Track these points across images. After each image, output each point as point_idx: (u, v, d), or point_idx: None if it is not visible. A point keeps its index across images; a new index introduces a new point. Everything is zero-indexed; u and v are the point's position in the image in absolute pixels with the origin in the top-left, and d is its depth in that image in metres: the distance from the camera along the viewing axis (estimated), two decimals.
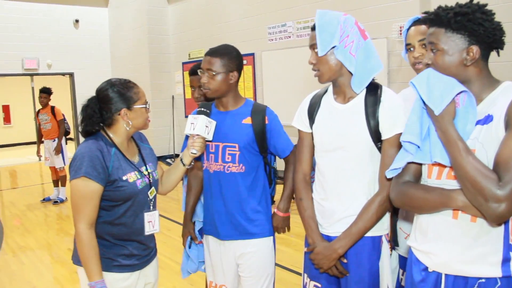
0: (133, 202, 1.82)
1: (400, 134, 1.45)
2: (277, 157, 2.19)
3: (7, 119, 14.71)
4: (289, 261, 3.91)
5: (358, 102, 1.69)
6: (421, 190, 1.36)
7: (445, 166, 1.34)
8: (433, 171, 1.38)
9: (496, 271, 1.28)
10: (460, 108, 1.30)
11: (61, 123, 6.43)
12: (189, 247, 2.31)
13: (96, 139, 1.79)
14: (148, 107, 1.87)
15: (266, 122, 2.04)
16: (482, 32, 1.27)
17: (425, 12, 1.45)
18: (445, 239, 1.35)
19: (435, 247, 1.37)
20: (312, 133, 1.80)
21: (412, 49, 1.83)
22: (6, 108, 14.63)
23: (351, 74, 1.67)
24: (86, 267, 1.71)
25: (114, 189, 1.76)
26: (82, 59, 10.33)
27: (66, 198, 6.55)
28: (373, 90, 1.69)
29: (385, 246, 1.73)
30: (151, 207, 1.92)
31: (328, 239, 1.75)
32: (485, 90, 1.33)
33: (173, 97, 9.73)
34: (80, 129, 1.85)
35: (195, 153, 1.95)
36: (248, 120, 2.04)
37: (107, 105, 1.79)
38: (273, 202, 2.21)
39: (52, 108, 6.45)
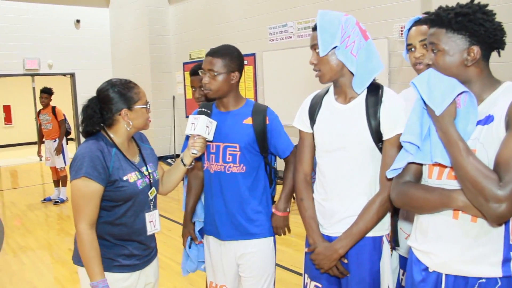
0: (134, 202, 1.82)
1: (401, 134, 1.45)
2: (277, 157, 2.19)
3: (8, 119, 14.73)
4: (289, 261, 3.91)
5: (359, 102, 1.69)
6: (422, 190, 1.36)
7: (445, 166, 1.34)
8: (433, 171, 1.38)
9: (496, 271, 1.28)
10: (461, 108, 1.30)
11: (62, 123, 6.43)
12: (189, 247, 2.31)
13: (97, 140, 1.79)
14: (148, 107, 1.87)
15: (267, 122, 2.04)
16: (483, 32, 1.27)
17: (426, 13, 1.45)
18: (445, 239, 1.35)
19: (436, 247, 1.37)
20: (313, 133, 1.80)
21: (413, 49, 1.83)
22: (7, 108, 14.65)
23: (352, 74, 1.67)
24: (88, 267, 1.71)
25: (115, 189, 1.76)
26: (83, 60, 10.34)
27: (67, 198, 6.55)
28: (374, 90, 1.69)
29: (386, 247, 1.73)
30: (152, 207, 1.92)
31: (329, 239, 1.75)
32: (486, 90, 1.33)
33: (174, 97, 9.74)
34: (80, 129, 1.85)
35: (196, 153, 1.95)
36: (249, 121, 2.04)
37: (107, 105, 1.79)
38: (273, 202, 2.21)
39: (53, 108, 6.45)
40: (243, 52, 2.13)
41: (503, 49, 1.34)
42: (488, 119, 1.28)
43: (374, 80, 1.70)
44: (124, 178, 1.78)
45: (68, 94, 10.60)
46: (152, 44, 9.49)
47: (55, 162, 6.44)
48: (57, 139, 6.44)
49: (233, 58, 2.01)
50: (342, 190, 1.72)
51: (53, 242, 4.93)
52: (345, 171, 1.70)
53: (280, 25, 7.06)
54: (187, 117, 9.16)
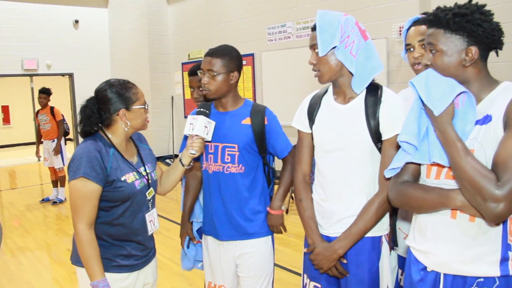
0: (132, 203, 1.82)
1: None
2: (275, 157, 2.19)
3: (6, 120, 14.70)
4: (288, 261, 3.91)
5: (358, 102, 1.69)
6: (420, 190, 1.37)
7: (443, 166, 1.34)
8: (431, 171, 1.38)
9: (494, 271, 1.28)
10: (459, 108, 1.30)
11: (61, 124, 6.43)
12: (187, 247, 2.31)
13: (95, 140, 1.79)
14: (147, 107, 1.87)
15: (266, 122, 2.04)
16: (481, 32, 1.27)
17: (424, 13, 1.45)
18: (443, 239, 1.35)
19: (434, 247, 1.37)
20: (311, 133, 1.80)
21: (412, 49, 1.84)
22: (5, 109, 14.62)
23: (352, 74, 1.67)
24: (88, 267, 1.71)
25: (113, 189, 1.76)
26: (82, 60, 10.33)
27: (65, 198, 6.54)
28: (374, 90, 1.69)
29: (385, 247, 1.73)
30: (150, 207, 1.92)
31: (328, 239, 1.75)
32: (484, 90, 1.33)
33: (172, 97, 9.73)
34: (78, 129, 1.84)
35: (194, 154, 1.95)
36: (247, 121, 2.04)
37: (105, 105, 1.79)
38: None
39: (52, 108, 6.45)
40: (241, 52, 2.13)
41: (501, 49, 1.34)
42: (486, 119, 1.28)
43: (373, 80, 1.70)
44: (122, 179, 1.78)
45: (66, 95, 10.60)
46: (150, 44, 9.48)
47: (54, 162, 6.43)
48: (55, 140, 6.43)
49: (232, 58, 2.01)
50: (341, 190, 1.72)
51: (51, 242, 4.92)
52: (344, 171, 1.70)
53: (278, 25, 7.06)
54: (185, 117, 9.16)
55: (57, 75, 10.37)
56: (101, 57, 10.69)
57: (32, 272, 4.06)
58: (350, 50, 1.63)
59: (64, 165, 6.40)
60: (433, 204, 1.33)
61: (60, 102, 8.65)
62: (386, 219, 1.74)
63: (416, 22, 1.82)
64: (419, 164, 1.42)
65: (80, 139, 1.87)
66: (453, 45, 1.30)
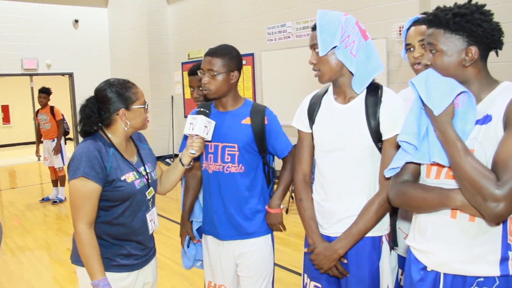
0: (131, 202, 1.82)
1: None
2: (275, 157, 2.19)
3: (6, 119, 14.70)
4: (288, 261, 3.91)
5: (359, 102, 1.69)
6: (420, 190, 1.37)
7: (443, 166, 1.34)
8: (431, 171, 1.38)
9: (494, 270, 1.29)
10: (460, 108, 1.30)
11: (60, 123, 6.43)
12: (188, 247, 2.31)
13: (95, 139, 1.79)
14: (146, 107, 1.87)
15: (266, 122, 2.04)
16: (481, 32, 1.27)
17: (424, 13, 1.45)
18: (443, 239, 1.35)
19: (434, 247, 1.37)
20: (312, 133, 1.80)
21: (412, 49, 1.84)
22: (5, 108, 14.62)
23: (352, 74, 1.67)
24: (88, 266, 1.71)
25: (112, 189, 1.76)
26: (82, 59, 10.33)
27: (65, 198, 6.54)
28: (374, 90, 1.69)
29: (385, 246, 1.73)
30: (150, 207, 1.92)
31: (328, 239, 1.75)
32: (483, 90, 1.33)
33: (172, 97, 9.73)
34: (78, 129, 1.84)
35: (194, 154, 1.95)
36: (247, 120, 2.04)
37: (105, 105, 1.79)
38: None
39: (51, 108, 6.44)
40: (241, 52, 2.13)
41: (501, 49, 1.34)
42: (486, 119, 1.28)
43: (373, 80, 1.70)
44: (122, 178, 1.78)
45: (66, 94, 10.59)
46: (150, 44, 9.48)
47: (54, 162, 6.43)
48: (55, 139, 6.43)
49: (232, 57, 2.01)
50: (342, 190, 1.72)
51: (51, 242, 4.92)
52: (345, 171, 1.70)
53: (278, 25, 7.06)
54: (185, 117, 9.16)
55: (57, 75, 10.37)
56: (101, 57, 10.69)
57: (32, 271, 4.06)
58: (351, 50, 1.63)
59: (64, 164, 6.40)
60: (433, 203, 1.33)
61: (60, 101, 8.65)
62: (387, 219, 1.74)
63: (416, 22, 1.82)
64: (419, 164, 1.42)
65: (80, 139, 1.87)
66: (453, 45, 1.30)
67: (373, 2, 5.72)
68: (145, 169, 1.90)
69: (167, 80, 9.70)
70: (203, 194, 2.19)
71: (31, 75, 10.11)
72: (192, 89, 2.52)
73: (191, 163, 2.02)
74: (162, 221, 5.03)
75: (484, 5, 1.31)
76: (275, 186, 2.28)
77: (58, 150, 6.38)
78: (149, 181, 1.90)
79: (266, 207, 2.11)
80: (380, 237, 1.72)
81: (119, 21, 10.34)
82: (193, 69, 2.45)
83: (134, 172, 1.84)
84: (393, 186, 1.45)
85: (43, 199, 6.67)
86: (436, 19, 1.33)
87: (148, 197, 1.90)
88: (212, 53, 2.00)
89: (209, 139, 1.98)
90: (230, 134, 2.03)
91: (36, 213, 6.08)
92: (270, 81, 7.24)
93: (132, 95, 1.81)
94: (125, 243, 1.83)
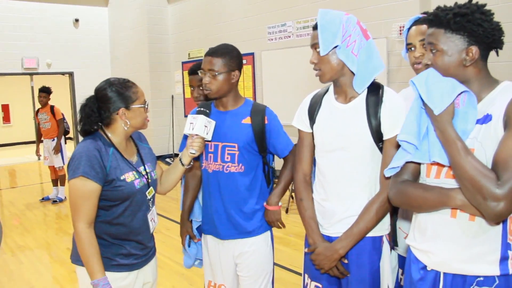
0: (131, 202, 1.82)
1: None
2: (275, 157, 2.19)
3: (6, 118, 14.70)
4: (288, 261, 3.91)
5: (360, 102, 1.69)
6: (420, 189, 1.37)
7: (443, 166, 1.34)
8: (431, 170, 1.38)
9: (494, 270, 1.29)
10: (460, 108, 1.30)
11: (61, 123, 6.43)
12: (189, 246, 2.31)
13: (94, 139, 1.79)
14: (146, 106, 1.87)
15: (266, 122, 2.04)
16: (481, 32, 1.27)
17: (424, 13, 1.45)
18: (443, 238, 1.35)
19: (434, 246, 1.38)
20: (312, 133, 1.80)
21: (413, 48, 1.83)
22: (5, 107, 14.62)
23: (353, 74, 1.67)
24: (88, 265, 1.71)
25: (112, 188, 1.76)
26: (82, 59, 10.32)
27: (65, 197, 6.54)
28: (375, 90, 1.69)
29: (386, 246, 1.73)
30: (150, 206, 1.92)
31: (329, 239, 1.75)
32: (484, 90, 1.33)
33: (172, 96, 9.73)
34: (78, 128, 1.84)
35: (194, 153, 1.94)
36: (247, 120, 2.04)
37: (105, 104, 1.79)
38: None
39: (52, 107, 6.44)
40: (242, 52, 2.13)
41: (501, 48, 1.34)
42: (486, 118, 1.28)
43: (374, 80, 1.70)
44: (122, 178, 1.78)
45: (66, 93, 10.59)
46: (151, 43, 9.48)
47: (54, 161, 6.43)
48: (55, 138, 6.44)
49: (233, 57, 2.00)
50: (342, 190, 1.72)
51: (51, 241, 4.92)
52: (345, 171, 1.70)
53: (279, 24, 7.06)
54: (185, 116, 9.16)
55: (57, 74, 10.36)
56: (101, 56, 10.68)
57: (32, 271, 4.06)
58: (352, 49, 1.63)
59: (64, 164, 6.40)
60: (433, 203, 1.33)
61: (60, 101, 8.66)
62: (387, 219, 1.74)
63: (417, 22, 1.82)
64: (419, 163, 1.42)
65: (80, 138, 1.87)
66: (453, 45, 1.30)
67: (373, 1, 5.71)
68: (145, 169, 1.90)
69: (167, 80, 9.70)
70: (203, 194, 2.19)
71: (31, 74, 10.10)
72: (192, 88, 2.52)
73: (191, 163, 2.02)
74: (162, 221, 5.03)
75: (484, 5, 1.31)
76: (275, 186, 2.28)
77: (58, 149, 6.38)
78: (149, 180, 1.90)
79: (264, 204, 2.11)
80: (381, 237, 1.72)
81: (119, 20, 10.33)
82: (193, 69, 2.45)
83: (133, 171, 1.84)
84: (393, 185, 1.45)
85: (43, 199, 6.67)
86: (436, 19, 1.33)
87: (148, 197, 1.90)
88: (213, 52, 2.00)
89: (209, 139, 1.98)
90: (230, 134, 2.03)
91: (36, 213, 6.09)
92: (270, 80, 7.24)
93: (132, 95, 1.81)
94: (124, 243, 1.83)
